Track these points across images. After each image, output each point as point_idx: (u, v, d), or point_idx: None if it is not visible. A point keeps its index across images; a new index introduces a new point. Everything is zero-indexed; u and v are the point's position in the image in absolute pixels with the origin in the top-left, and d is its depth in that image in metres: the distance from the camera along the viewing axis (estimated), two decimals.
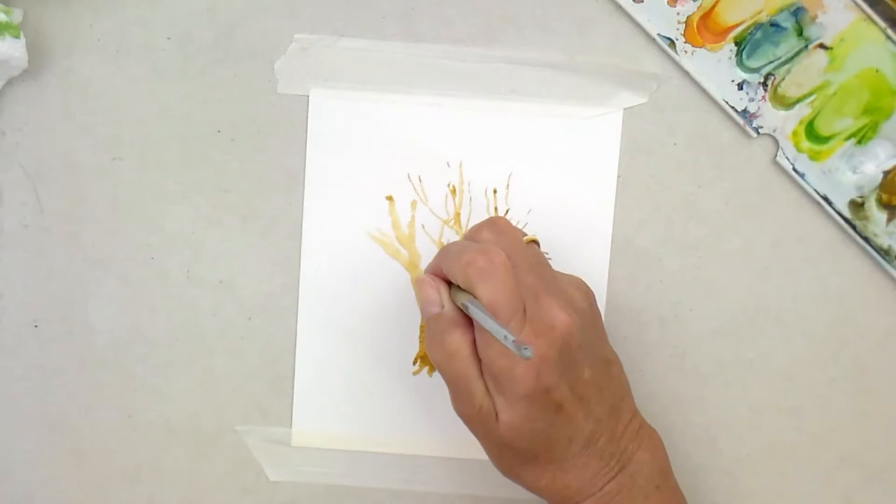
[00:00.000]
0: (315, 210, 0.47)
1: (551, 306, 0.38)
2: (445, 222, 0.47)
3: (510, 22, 0.46)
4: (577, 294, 0.41)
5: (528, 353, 0.33)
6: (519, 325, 0.37)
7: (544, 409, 0.38)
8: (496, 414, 0.38)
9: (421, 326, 0.47)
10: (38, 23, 0.46)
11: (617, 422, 0.40)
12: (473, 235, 0.42)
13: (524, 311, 0.38)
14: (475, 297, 0.38)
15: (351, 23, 0.46)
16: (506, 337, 0.34)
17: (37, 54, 0.46)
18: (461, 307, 0.39)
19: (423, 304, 0.41)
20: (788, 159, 0.46)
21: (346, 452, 0.48)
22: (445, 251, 0.41)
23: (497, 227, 0.41)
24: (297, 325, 0.47)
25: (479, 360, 0.39)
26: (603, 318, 0.47)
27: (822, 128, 0.46)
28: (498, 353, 0.38)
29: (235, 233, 0.47)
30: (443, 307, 0.40)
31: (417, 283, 0.43)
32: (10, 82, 0.46)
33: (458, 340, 0.39)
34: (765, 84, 0.46)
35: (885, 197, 0.46)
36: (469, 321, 0.40)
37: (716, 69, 0.46)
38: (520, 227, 0.47)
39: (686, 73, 0.46)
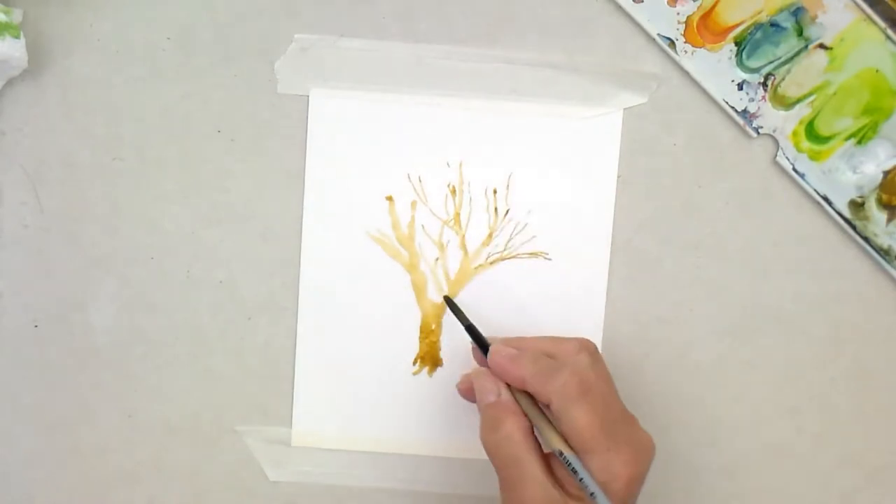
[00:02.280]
0: (315, 210, 0.47)
1: (639, 430, 0.39)
2: (445, 222, 0.47)
3: (510, 22, 0.46)
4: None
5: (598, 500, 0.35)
6: (611, 449, 0.37)
7: None
8: None
9: (421, 327, 0.47)
10: (38, 23, 0.46)
11: None
12: (557, 350, 0.41)
13: (615, 432, 0.38)
14: (567, 419, 0.37)
15: (351, 23, 0.46)
16: (595, 492, 0.36)
17: (37, 54, 0.46)
18: (553, 452, 0.38)
19: (480, 393, 0.41)
20: (788, 159, 0.46)
21: (346, 452, 0.48)
22: (531, 363, 0.40)
23: (591, 353, 0.41)
24: (297, 325, 0.47)
25: (536, 447, 0.38)
26: (602, 322, 0.47)
27: (822, 128, 0.46)
28: (593, 470, 0.37)
29: (235, 233, 0.47)
30: (500, 395, 0.40)
31: (475, 376, 0.42)
32: (10, 82, 0.46)
33: (512, 425, 0.39)
34: (765, 84, 0.46)
35: (885, 197, 0.46)
36: (519, 410, 0.40)
37: (716, 69, 0.46)
38: (519, 226, 0.47)
39: (686, 73, 0.46)
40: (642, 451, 0.38)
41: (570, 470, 0.37)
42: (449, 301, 0.46)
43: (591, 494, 0.36)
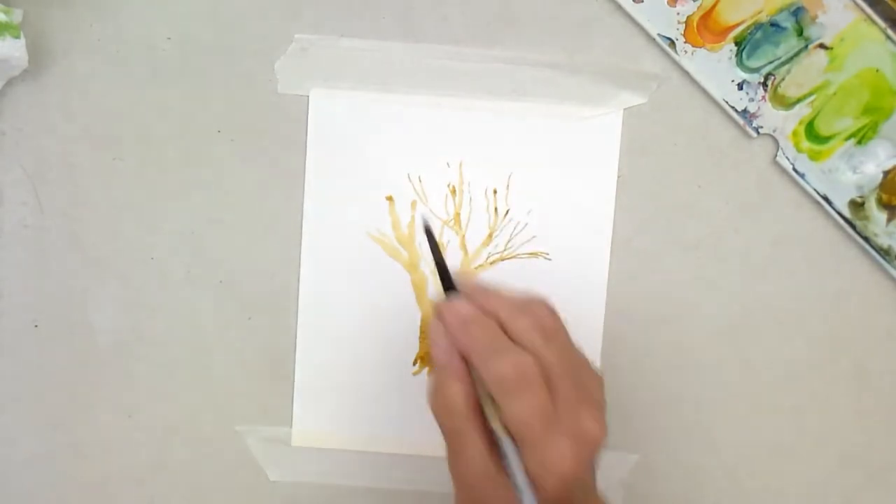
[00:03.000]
0: (315, 210, 0.47)
1: (586, 418, 0.36)
2: (445, 222, 0.47)
3: (510, 22, 0.46)
4: (600, 389, 0.38)
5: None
6: (548, 444, 0.35)
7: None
8: (495, 482, 0.36)
9: (421, 327, 0.47)
10: (38, 23, 0.46)
11: None
12: (510, 323, 0.37)
13: (555, 422, 0.35)
14: (503, 406, 0.35)
15: (351, 23, 0.46)
16: (521, 487, 0.34)
17: (37, 54, 0.46)
18: (492, 427, 0.36)
19: (432, 346, 0.38)
20: (788, 159, 0.46)
21: (346, 452, 0.48)
22: (476, 340, 0.37)
23: (544, 330, 0.37)
24: (297, 325, 0.47)
25: (478, 419, 0.37)
26: (602, 322, 0.47)
27: (822, 128, 0.46)
28: (527, 461, 0.35)
29: (235, 233, 0.47)
30: (450, 357, 0.37)
31: (433, 325, 0.38)
32: (10, 82, 0.46)
33: (457, 392, 0.37)
34: (765, 84, 0.46)
35: (885, 197, 0.46)
36: (466, 375, 0.37)
37: (716, 69, 0.46)
38: (520, 227, 0.47)
39: (686, 73, 0.46)
40: (583, 444, 0.35)
41: (506, 464, 0.35)
42: (429, 232, 0.40)
43: (517, 489, 0.34)
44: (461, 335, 0.37)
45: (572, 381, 0.36)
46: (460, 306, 0.37)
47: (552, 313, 0.38)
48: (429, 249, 0.40)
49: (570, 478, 0.35)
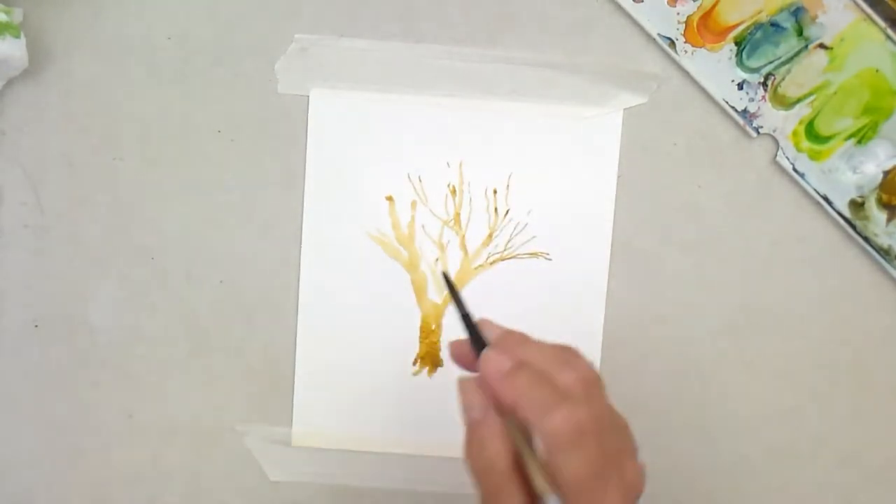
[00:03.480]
0: (315, 210, 0.47)
1: (629, 468, 0.36)
2: (445, 222, 0.47)
3: (510, 22, 0.46)
4: (631, 435, 0.37)
5: None
6: (596, 500, 0.34)
7: None
8: None
9: (421, 327, 0.47)
10: (38, 23, 0.46)
11: None
12: (556, 377, 0.36)
13: (604, 477, 0.35)
14: (555, 464, 0.34)
15: (351, 23, 0.46)
16: None
17: (37, 54, 0.46)
18: (535, 483, 0.35)
19: (465, 406, 0.37)
20: (788, 159, 0.46)
21: (346, 452, 0.48)
22: (525, 389, 0.35)
23: (589, 385, 0.36)
24: (297, 325, 0.47)
25: (519, 477, 0.35)
26: (602, 322, 0.47)
27: (822, 128, 0.46)
28: None
29: (235, 233, 0.47)
30: (486, 414, 0.36)
31: (462, 384, 0.37)
32: (10, 82, 0.46)
33: (497, 450, 0.35)
34: (765, 84, 0.46)
35: (885, 197, 0.46)
36: (506, 433, 0.36)
37: (716, 69, 0.46)
38: (520, 227, 0.47)
39: (686, 73, 0.46)
40: (631, 491, 0.35)
41: None
42: (448, 282, 0.39)
43: None
44: (507, 389, 0.35)
45: (615, 433, 0.36)
46: (501, 360, 0.36)
47: (591, 364, 0.37)
48: (450, 297, 0.39)
49: None
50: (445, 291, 0.47)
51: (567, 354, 0.37)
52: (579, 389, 0.35)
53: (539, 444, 0.35)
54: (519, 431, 0.35)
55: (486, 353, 0.37)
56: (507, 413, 0.36)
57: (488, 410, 0.36)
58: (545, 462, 0.34)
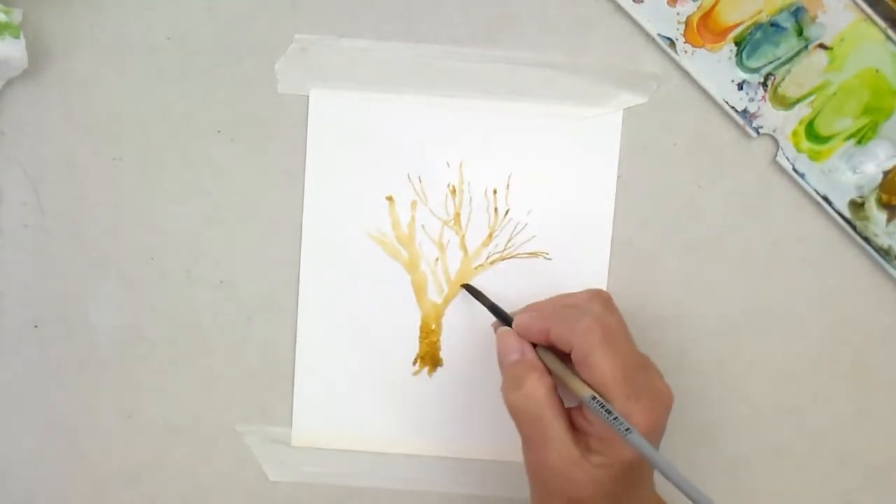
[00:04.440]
0: (315, 210, 0.47)
1: (657, 378, 0.39)
2: (445, 222, 0.47)
3: (510, 22, 0.46)
4: (654, 364, 0.41)
5: (633, 437, 0.35)
6: (631, 397, 0.37)
7: (635, 473, 0.38)
8: (579, 466, 0.37)
9: (421, 327, 0.47)
10: (38, 23, 0.46)
11: None
12: (575, 301, 0.42)
13: (634, 380, 0.38)
14: (590, 363, 0.38)
15: (351, 23, 0.46)
16: (627, 429, 0.35)
17: (37, 54, 0.46)
18: (583, 399, 0.38)
19: (503, 353, 0.41)
20: (788, 159, 0.46)
21: (346, 452, 0.48)
22: (553, 314, 0.41)
23: (605, 301, 0.42)
24: (297, 325, 0.47)
25: (558, 405, 0.39)
26: None
27: (822, 128, 0.46)
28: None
29: (235, 233, 0.47)
30: (523, 354, 0.40)
31: (499, 335, 0.42)
32: (10, 82, 0.46)
33: (535, 382, 0.39)
34: (765, 84, 0.46)
35: (885, 197, 0.46)
36: (546, 369, 0.40)
37: (716, 69, 0.46)
38: (520, 227, 0.47)
39: (686, 73, 0.46)
40: (660, 400, 0.38)
41: (601, 413, 0.36)
42: (468, 287, 0.46)
43: (627, 430, 0.35)
44: (537, 322, 0.40)
45: (638, 354, 0.40)
46: (527, 311, 0.42)
47: (602, 290, 0.44)
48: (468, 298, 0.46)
49: (653, 434, 0.37)
50: (446, 291, 0.47)
51: (572, 293, 0.44)
52: (594, 304, 0.41)
53: (574, 358, 0.38)
54: (554, 359, 0.40)
55: (517, 314, 0.42)
56: (541, 343, 0.40)
57: (524, 350, 0.40)
58: (580, 375, 0.38)
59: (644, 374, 0.39)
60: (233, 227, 0.47)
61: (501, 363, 0.41)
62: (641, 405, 0.37)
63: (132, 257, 0.47)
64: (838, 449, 0.47)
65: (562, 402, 0.39)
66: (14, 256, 0.47)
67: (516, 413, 0.39)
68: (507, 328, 0.42)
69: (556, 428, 0.38)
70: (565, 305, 0.42)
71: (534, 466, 0.39)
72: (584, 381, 0.38)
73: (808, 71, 0.46)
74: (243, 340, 0.48)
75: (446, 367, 0.47)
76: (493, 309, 0.45)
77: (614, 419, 0.36)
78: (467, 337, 0.47)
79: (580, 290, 0.45)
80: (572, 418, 0.39)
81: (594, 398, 0.37)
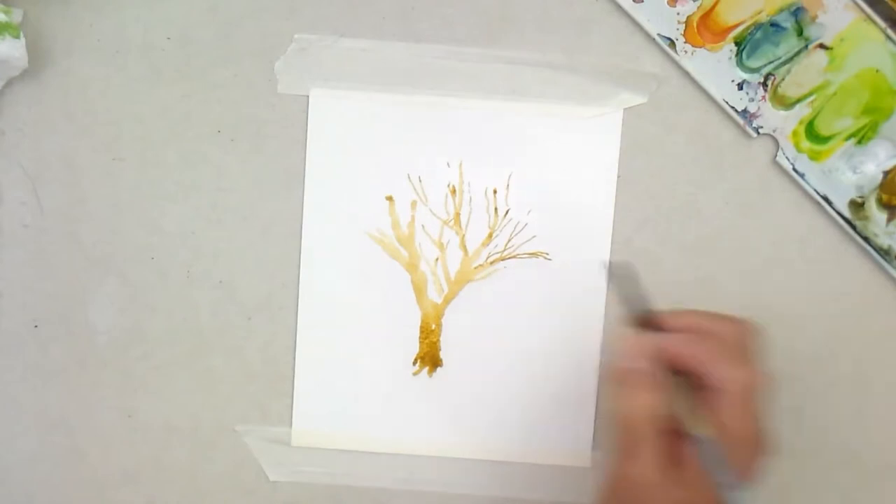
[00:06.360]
0: (315, 210, 0.47)
1: (765, 431, 0.39)
2: (445, 222, 0.47)
3: (510, 22, 0.46)
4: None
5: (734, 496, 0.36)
6: (747, 455, 0.38)
7: None
8: (661, 489, 0.37)
9: (421, 327, 0.47)
10: (38, 23, 0.46)
11: None
12: (725, 331, 0.40)
13: (755, 441, 0.38)
14: (728, 413, 0.37)
15: (351, 23, 0.46)
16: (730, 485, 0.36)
17: (37, 54, 0.46)
18: (699, 437, 0.38)
19: (625, 355, 0.39)
20: (788, 159, 0.46)
21: (346, 452, 0.48)
22: (706, 348, 0.39)
23: (755, 338, 0.40)
24: (297, 325, 0.47)
25: (658, 426, 0.38)
26: (602, 322, 0.47)
27: (822, 128, 0.46)
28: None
29: (235, 233, 0.47)
30: (643, 364, 0.39)
31: (637, 338, 0.40)
32: (10, 82, 0.46)
33: (645, 399, 0.38)
34: (765, 84, 0.46)
35: (885, 197, 0.46)
36: (659, 385, 0.39)
37: (716, 69, 0.46)
38: (520, 227, 0.47)
39: (686, 73, 0.46)
40: (762, 456, 0.39)
41: (713, 460, 0.36)
42: (616, 268, 0.43)
43: (731, 486, 0.36)
44: (689, 347, 0.39)
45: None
46: (686, 315, 0.40)
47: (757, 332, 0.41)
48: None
49: (744, 482, 0.38)
50: (446, 291, 0.47)
51: (722, 319, 0.41)
52: (750, 343, 0.40)
53: (711, 398, 0.38)
54: (680, 386, 0.39)
55: (670, 316, 0.40)
56: (671, 366, 0.39)
57: (645, 361, 0.39)
58: (710, 413, 0.38)
59: (762, 429, 0.39)
60: (232, 227, 0.47)
61: (622, 362, 0.39)
62: (750, 463, 0.38)
63: (132, 257, 0.47)
64: (838, 449, 0.47)
65: (661, 424, 0.39)
66: (13, 256, 0.47)
67: (619, 419, 0.39)
68: (649, 336, 0.40)
69: (650, 449, 0.38)
70: (719, 339, 0.39)
71: (616, 475, 0.39)
72: (707, 415, 0.38)
73: (808, 71, 0.46)
74: (243, 340, 0.48)
75: (446, 367, 0.47)
76: (634, 300, 0.41)
77: (724, 472, 0.36)
78: (467, 337, 0.47)
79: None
80: (672, 441, 0.38)
81: (712, 442, 0.37)
